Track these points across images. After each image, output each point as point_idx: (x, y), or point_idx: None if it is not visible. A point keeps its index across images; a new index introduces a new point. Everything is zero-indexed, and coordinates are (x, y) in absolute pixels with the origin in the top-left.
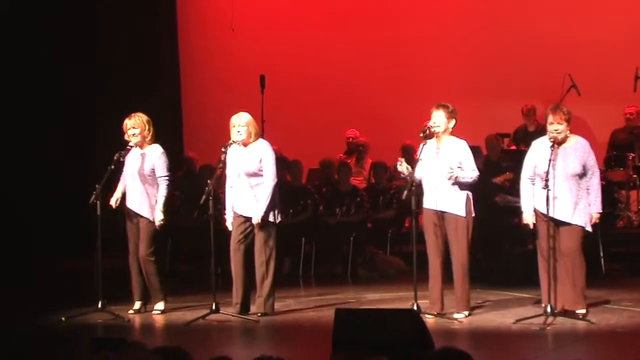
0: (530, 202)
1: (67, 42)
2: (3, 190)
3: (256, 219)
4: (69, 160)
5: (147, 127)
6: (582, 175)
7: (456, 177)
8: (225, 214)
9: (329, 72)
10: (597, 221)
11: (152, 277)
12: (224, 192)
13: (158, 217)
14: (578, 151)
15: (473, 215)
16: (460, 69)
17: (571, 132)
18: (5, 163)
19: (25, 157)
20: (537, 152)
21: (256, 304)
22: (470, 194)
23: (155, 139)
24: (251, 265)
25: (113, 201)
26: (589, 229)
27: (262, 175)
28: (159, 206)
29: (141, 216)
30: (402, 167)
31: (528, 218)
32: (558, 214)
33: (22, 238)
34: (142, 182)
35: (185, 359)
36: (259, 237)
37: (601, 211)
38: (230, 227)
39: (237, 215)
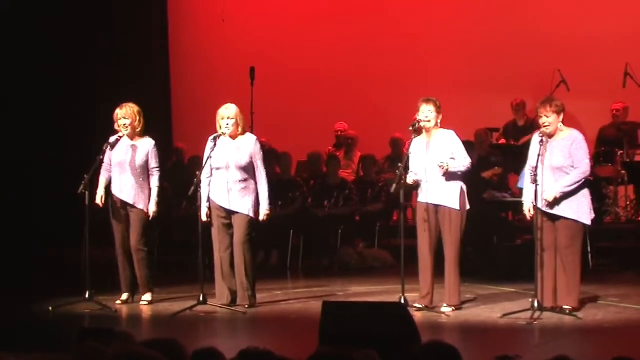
0: (530, 194)
1: (55, 33)
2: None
3: (262, 217)
4: (57, 152)
5: (138, 118)
6: (571, 168)
7: (448, 168)
8: (201, 205)
9: (318, 64)
10: (550, 201)
11: (142, 268)
12: None
13: (152, 209)
14: (565, 142)
15: (467, 208)
16: (450, 63)
17: (566, 127)
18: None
19: (16, 147)
20: (532, 146)
21: (240, 296)
22: (464, 186)
23: (145, 130)
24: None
25: (99, 199)
26: (583, 221)
27: (250, 170)
28: (154, 197)
29: (133, 207)
30: (411, 178)
31: (526, 210)
32: (547, 207)
33: (11, 228)
34: (132, 173)
35: (179, 351)
36: (239, 230)
37: (560, 193)
38: (205, 218)
39: (218, 208)
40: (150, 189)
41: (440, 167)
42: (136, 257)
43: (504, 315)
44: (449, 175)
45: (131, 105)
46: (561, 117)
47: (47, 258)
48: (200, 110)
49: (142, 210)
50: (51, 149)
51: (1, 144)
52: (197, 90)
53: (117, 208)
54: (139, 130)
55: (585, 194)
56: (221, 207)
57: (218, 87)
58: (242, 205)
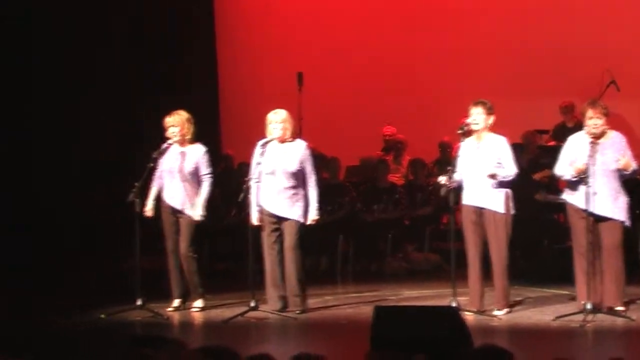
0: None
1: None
2: (46, 186)
3: (310, 222)
4: (109, 159)
5: (187, 125)
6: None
7: (496, 177)
8: (250, 210)
9: (366, 68)
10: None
11: (193, 275)
12: None
13: (198, 213)
14: (616, 146)
15: (512, 212)
16: (498, 65)
17: (610, 129)
18: (52, 160)
19: (70, 154)
20: (575, 147)
21: (291, 301)
22: (509, 191)
23: (195, 137)
24: (284, 263)
25: (149, 210)
26: (628, 224)
27: (299, 176)
28: (200, 202)
29: (183, 213)
30: (442, 178)
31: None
32: (598, 209)
33: (65, 235)
34: (182, 180)
35: (233, 358)
36: (289, 236)
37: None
38: (255, 222)
39: (268, 214)
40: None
41: (490, 177)
42: (186, 264)
43: (557, 317)
44: (497, 181)
45: (181, 112)
46: (607, 119)
47: (99, 265)
48: (249, 117)
49: (191, 217)
50: (103, 156)
51: (58, 152)
52: (246, 96)
53: (167, 214)
54: (188, 137)
55: (626, 194)
56: (271, 212)
57: (266, 93)
58: (292, 211)
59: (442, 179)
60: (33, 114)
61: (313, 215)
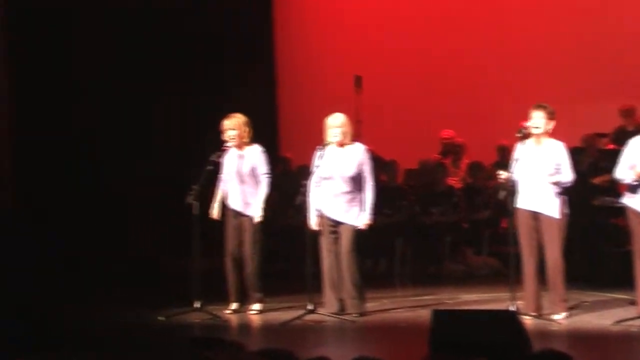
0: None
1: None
2: (110, 185)
3: (362, 225)
4: (165, 161)
5: (245, 129)
6: None
7: (559, 184)
8: (309, 213)
9: (424, 72)
10: None
11: (253, 277)
12: None
13: (257, 213)
14: None
15: (567, 216)
16: (559, 68)
17: None
18: (112, 162)
19: (127, 157)
20: (635, 151)
21: (349, 304)
22: (564, 195)
23: (253, 140)
24: (341, 266)
25: (215, 213)
26: None
27: (356, 179)
28: (259, 202)
29: (244, 215)
30: (504, 173)
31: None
32: None
33: (122, 238)
34: (242, 182)
35: None
36: (346, 240)
37: None
38: (314, 226)
39: (325, 217)
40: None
41: (553, 184)
42: (250, 265)
43: (616, 322)
44: (556, 186)
45: (238, 115)
46: None
47: (158, 267)
48: (307, 119)
49: (255, 218)
50: (160, 158)
51: (112, 155)
52: (304, 99)
53: (230, 217)
54: (246, 140)
55: None
56: (329, 216)
57: (324, 96)
58: (349, 215)
59: (503, 174)
60: (95, 114)
61: (365, 220)
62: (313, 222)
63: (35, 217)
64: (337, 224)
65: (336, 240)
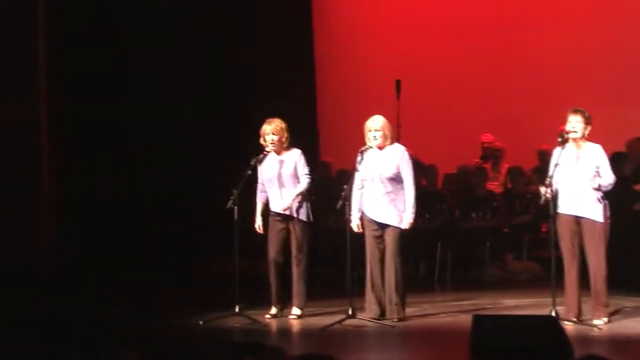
0: None
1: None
2: (149, 188)
3: (405, 226)
4: (205, 165)
5: (285, 134)
6: None
7: (601, 188)
8: (352, 215)
9: (465, 76)
10: None
11: (301, 280)
12: None
13: (284, 204)
14: None
15: (609, 221)
16: (597, 72)
17: None
18: (156, 164)
19: (168, 162)
20: None
21: (390, 309)
22: (606, 200)
23: (291, 145)
24: (384, 270)
25: (258, 226)
26: None
27: (397, 180)
28: (290, 197)
29: (291, 219)
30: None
31: None
32: None
33: (163, 242)
34: (284, 186)
35: None
36: (391, 243)
37: None
38: (356, 229)
39: (369, 220)
40: (303, 198)
41: (596, 189)
42: (298, 269)
43: None
44: (598, 190)
45: (278, 121)
46: None
47: (198, 272)
48: (347, 124)
49: (301, 221)
50: (200, 162)
51: (157, 159)
52: (343, 103)
53: (274, 222)
54: (285, 145)
55: None
56: (372, 219)
57: (364, 101)
58: (392, 217)
59: (543, 190)
60: (136, 119)
61: (408, 220)
62: (355, 225)
63: (79, 220)
64: (380, 226)
65: (379, 244)
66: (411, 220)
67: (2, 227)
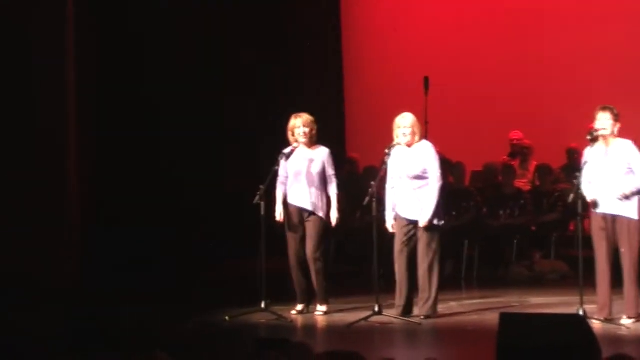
0: None
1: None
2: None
3: (423, 223)
4: (232, 162)
5: (314, 127)
6: None
7: (630, 196)
8: (386, 215)
9: (492, 72)
10: None
11: (319, 278)
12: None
13: (334, 216)
14: None
15: None
16: (626, 69)
17: None
18: (181, 162)
19: (192, 158)
20: None
21: (419, 306)
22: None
23: (318, 140)
24: (414, 268)
25: (278, 216)
26: None
27: (425, 178)
28: (334, 205)
29: (310, 215)
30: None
31: None
32: None
33: (189, 238)
34: (309, 182)
35: None
36: (423, 240)
37: None
38: (391, 229)
39: (399, 218)
40: (327, 197)
41: (623, 197)
42: (313, 267)
43: None
44: (628, 187)
45: (307, 115)
46: None
47: (224, 268)
48: (374, 120)
49: (320, 219)
50: (226, 159)
51: (182, 155)
52: (371, 99)
53: (293, 217)
54: (314, 139)
55: None
56: (402, 217)
57: (391, 97)
58: (422, 214)
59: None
60: (166, 118)
61: (426, 217)
62: (390, 225)
63: (111, 219)
64: (410, 223)
65: (409, 241)
66: (429, 219)
67: (28, 229)
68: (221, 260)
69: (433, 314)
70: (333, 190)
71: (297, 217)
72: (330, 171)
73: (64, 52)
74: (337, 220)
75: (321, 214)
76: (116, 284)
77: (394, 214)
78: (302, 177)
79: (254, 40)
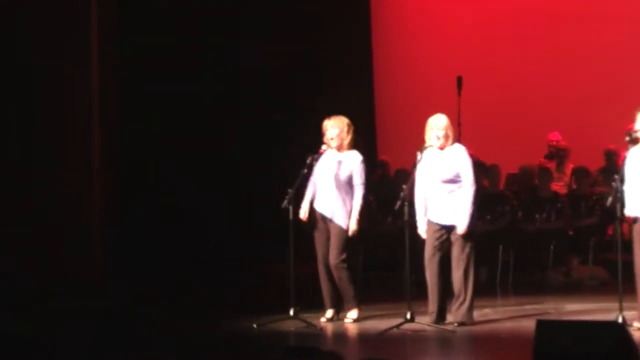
0: None
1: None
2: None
3: (462, 229)
4: (262, 165)
5: (347, 130)
6: None
7: None
8: (418, 221)
9: (527, 73)
10: None
11: (345, 285)
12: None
13: (352, 226)
14: None
15: None
16: None
17: None
18: (203, 165)
19: (222, 161)
20: None
21: (454, 313)
22: None
23: (353, 146)
24: (446, 274)
25: (302, 213)
26: None
27: (458, 181)
28: (354, 214)
29: (334, 222)
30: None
31: None
32: None
33: (218, 244)
34: (336, 187)
35: None
36: (457, 245)
37: None
38: (423, 235)
39: (431, 223)
40: (352, 205)
41: None
42: (336, 274)
43: None
44: None
45: (342, 117)
46: None
47: (253, 274)
48: (405, 122)
49: (342, 226)
50: (255, 162)
51: (209, 160)
52: (402, 101)
53: (319, 222)
54: (347, 142)
55: None
56: (434, 221)
57: (423, 98)
58: (457, 218)
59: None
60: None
61: (463, 225)
62: (422, 231)
63: (130, 223)
64: (444, 228)
65: (441, 246)
66: (466, 225)
67: (54, 231)
68: (253, 264)
69: (469, 320)
70: (357, 199)
71: (322, 221)
72: (358, 180)
73: (89, 55)
74: (353, 232)
75: (342, 221)
76: (143, 287)
77: (426, 219)
78: (326, 181)
79: (281, 41)
